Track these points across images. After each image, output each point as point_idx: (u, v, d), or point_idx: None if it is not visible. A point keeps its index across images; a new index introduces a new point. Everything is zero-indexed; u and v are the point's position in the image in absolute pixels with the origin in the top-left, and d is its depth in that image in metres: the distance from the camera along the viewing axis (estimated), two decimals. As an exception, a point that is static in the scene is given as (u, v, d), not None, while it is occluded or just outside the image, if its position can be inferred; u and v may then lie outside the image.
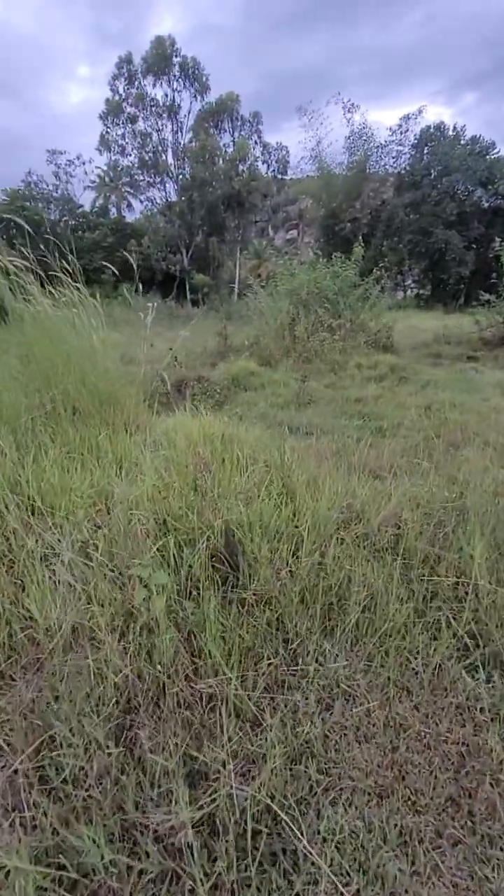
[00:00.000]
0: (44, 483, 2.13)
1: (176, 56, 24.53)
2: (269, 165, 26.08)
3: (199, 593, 1.55)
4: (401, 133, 23.81)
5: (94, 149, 25.39)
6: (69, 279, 4.06)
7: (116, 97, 24.20)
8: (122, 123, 24.20)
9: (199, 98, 25.50)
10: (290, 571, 1.72)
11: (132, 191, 27.48)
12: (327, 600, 1.69)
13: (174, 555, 1.68)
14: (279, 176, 27.14)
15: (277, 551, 1.80)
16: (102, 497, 2.25)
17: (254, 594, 1.64)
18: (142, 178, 25.67)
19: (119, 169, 27.18)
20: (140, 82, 24.62)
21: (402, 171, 24.61)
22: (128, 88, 24.38)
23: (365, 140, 23.58)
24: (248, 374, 7.21)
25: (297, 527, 2.01)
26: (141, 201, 27.09)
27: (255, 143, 26.16)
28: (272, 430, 4.43)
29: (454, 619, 1.64)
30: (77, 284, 4.11)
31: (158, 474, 2.28)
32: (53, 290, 4.05)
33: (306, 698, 1.36)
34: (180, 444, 2.64)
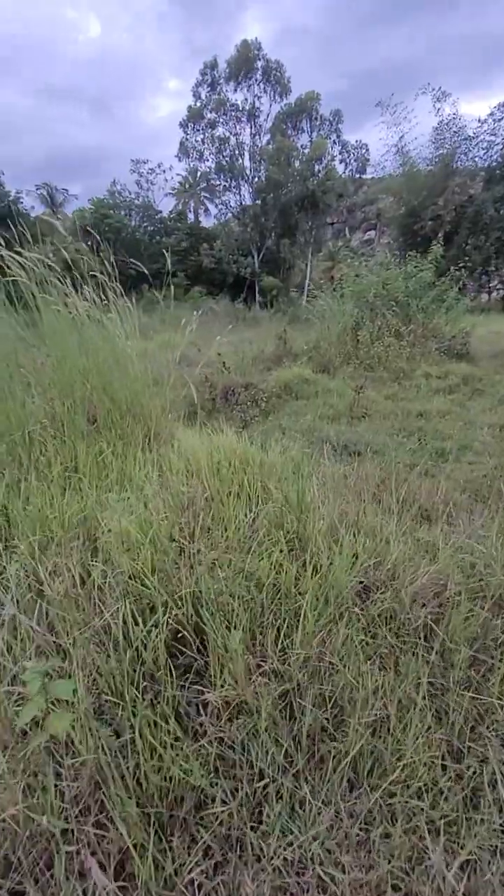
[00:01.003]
0: (12, 510, 1.86)
1: (259, 60, 24.54)
2: (346, 165, 25.28)
3: (138, 695, 1.17)
4: (493, 122, 21.93)
5: (174, 156, 26.08)
6: (111, 281, 3.90)
7: (198, 103, 24.68)
8: (202, 129, 24.64)
9: (279, 100, 25.33)
10: (274, 671, 1.28)
11: (209, 195, 27.92)
12: (321, 715, 1.23)
13: (123, 631, 1.31)
14: (357, 175, 26.20)
15: (261, 636, 1.37)
16: (87, 528, 1.96)
17: (221, 698, 1.22)
18: (218, 182, 25.97)
19: (198, 175, 27.74)
20: (222, 88, 24.91)
21: (494, 164, 22.66)
22: (210, 94, 24.77)
23: (454, 132, 22.03)
24: (302, 381, 6.75)
25: (299, 594, 1.56)
26: (216, 206, 27.46)
27: (334, 142, 25.45)
28: (314, 448, 3.96)
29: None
30: (113, 285, 3.93)
31: (148, 509, 1.94)
32: (96, 295, 3.89)
33: (257, 888, 0.92)
34: (181, 471, 2.28)
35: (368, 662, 1.34)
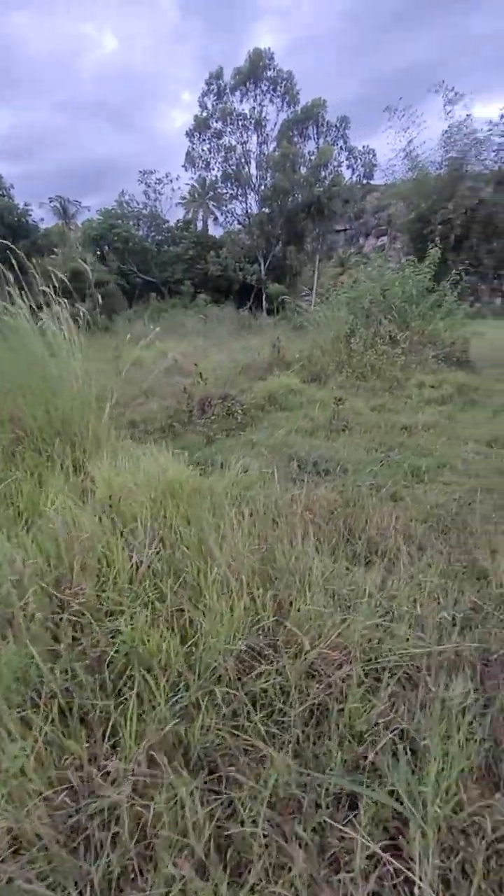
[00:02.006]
0: None
1: (269, 70, 24.55)
2: (353, 170, 25.02)
3: None
4: (504, 124, 21.45)
5: (181, 165, 26.20)
6: (52, 294, 3.69)
7: (205, 113, 24.79)
8: (208, 139, 24.71)
9: (287, 108, 25.30)
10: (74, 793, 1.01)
11: (216, 204, 28.00)
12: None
13: None
14: (364, 181, 25.93)
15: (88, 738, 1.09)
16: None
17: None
18: (225, 191, 25.99)
19: (206, 184, 27.85)
20: (228, 97, 24.98)
21: (505, 166, 22.14)
22: (216, 104, 24.86)
23: (465, 134, 21.62)
24: (288, 391, 6.48)
25: (163, 669, 1.29)
26: (222, 214, 27.49)
27: (341, 148, 25.26)
28: (279, 466, 3.68)
29: None
30: (59, 299, 3.73)
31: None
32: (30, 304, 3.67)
33: None
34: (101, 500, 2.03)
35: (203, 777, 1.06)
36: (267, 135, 25.34)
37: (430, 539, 2.41)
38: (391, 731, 1.15)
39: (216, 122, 24.57)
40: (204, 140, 24.80)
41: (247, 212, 25.60)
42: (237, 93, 24.65)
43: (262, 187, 25.06)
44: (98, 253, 24.97)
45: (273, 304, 23.37)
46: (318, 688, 1.30)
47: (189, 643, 1.35)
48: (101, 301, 21.30)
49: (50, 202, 32.90)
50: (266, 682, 1.29)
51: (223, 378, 7.69)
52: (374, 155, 24.37)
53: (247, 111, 24.83)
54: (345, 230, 39.29)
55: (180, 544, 1.77)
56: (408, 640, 1.45)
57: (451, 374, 7.12)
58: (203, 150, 25.08)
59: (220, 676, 1.28)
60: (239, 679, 1.30)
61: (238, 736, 1.15)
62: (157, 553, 1.74)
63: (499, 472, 3.79)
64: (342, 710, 1.23)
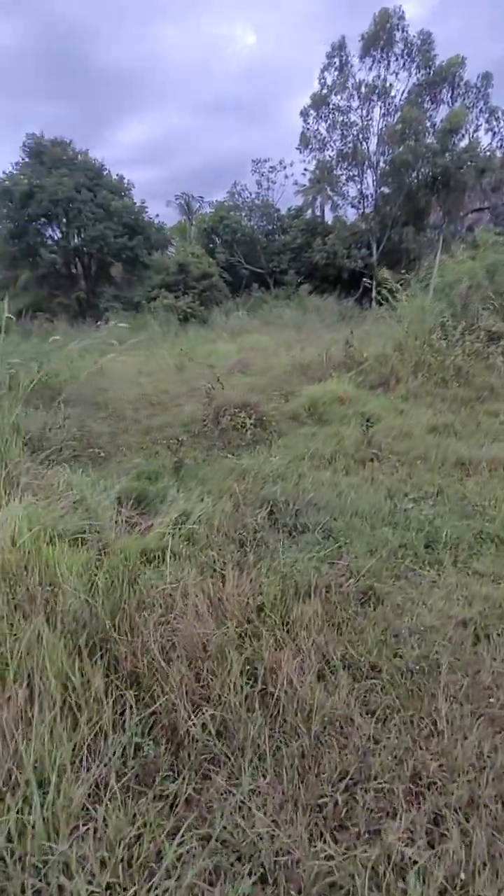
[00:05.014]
0: None
1: (399, 31, 22.14)
2: (494, 134, 21.37)
3: None
4: None
5: (294, 148, 25.05)
6: None
7: (324, 90, 23.27)
8: (325, 116, 23.17)
9: (417, 72, 22.60)
10: None
11: (331, 187, 26.42)
12: None
13: None
14: (509, 145, 22.06)
15: None
16: None
17: None
18: (340, 172, 24.25)
19: (326, 167, 26.36)
20: (351, 69, 23.11)
21: None
22: (337, 78, 23.18)
23: None
24: (334, 399, 5.30)
25: None
26: (337, 196, 25.76)
27: (480, 111, 21.74)
28: (240, 516, 2.73)
29: None
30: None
31: None
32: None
33: None
34: None
35: None
36: (391, 104, 22.98)
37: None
38: None
39: (335, 96, 22.93)
40: (320, 118, 23.35)
41: (361, 192, 23.62)
42: (363, 62, 22.65)
43: (382, 164, 22.84)
44: (210, 245, 25.28)
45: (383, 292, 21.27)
46: None
47: None
48: (202, 293, 21.55)
49: (176, 200, 34.41)
50: None
51: (270, 380, 6.75)
52: (523, 114, 20.57)
53: (371, 80, 22.73)
54: (485, 209, 34.50)
55: None
56: None
57: None
58: (320, 130, 23.66)
59: None
60: None
61: None
62: None
63: None
64: None
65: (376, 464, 3.62)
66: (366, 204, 23.51)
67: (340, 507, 2.91)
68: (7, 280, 23.65)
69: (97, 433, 5.20)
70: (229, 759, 1.25)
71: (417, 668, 1.50)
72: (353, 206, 24.29)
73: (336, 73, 23.65)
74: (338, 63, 23.76)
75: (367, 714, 1.39)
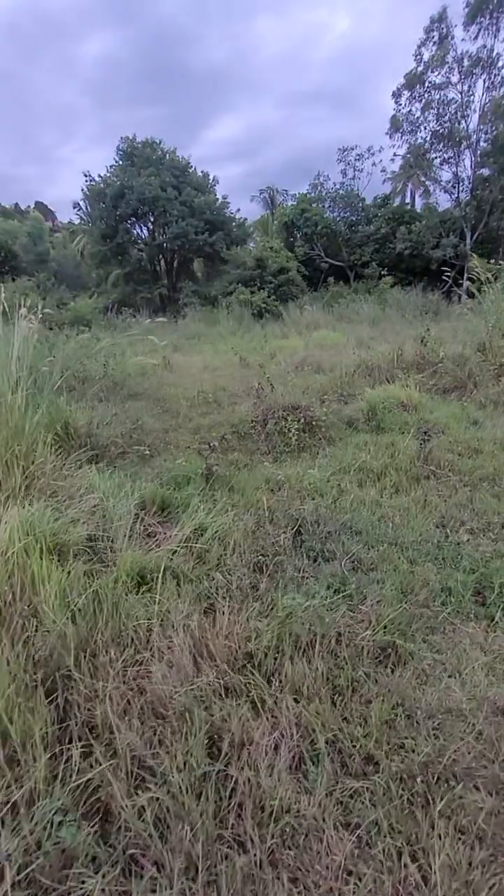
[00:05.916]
0: None
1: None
2: None
3: None
4: None
5: (385, 133, 23.72)
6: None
7: (420, 68, 21.69)
8: (419, 97, 21.60)
9: (533, 35, 20.27)
10: None
11: (424, 171, 24.70)
12: None
13: None
14: None
15: None
16: None
17: None
18: (433, 155, 22.53)
19: (419, 150, 24.73)
20: (453, 41, 21.30)
21: None
22: (435, 52, 21.49)
23: None
24: (396, 404, 4.80)
25: None
26: (430, 182, 24.01)
27: None
28: (256, 536, 2.50)
29: None
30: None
31: None
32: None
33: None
34: None
35: None
36: (497, 76, 20.90)
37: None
38: None
39: (431, 73, 21.30)
40: (414, 99, 21.83)
41: (456, 175, 21.77)
42: (467, 31, 20.77)
43: (483, 143, 20.88)
44: (290, 239, 24.87)
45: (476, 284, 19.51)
46: None
47: None
48: (279, 288, 21.22)
49: (260, 194, 34.37)
50: None
51: (332, 380, 6.34)
52: None
53: (475, 50, 20.80)
54: None
55: None
56: None
57: None
58: (413, 111, 22.14)
59: None
60: None
61: None
62: None
63: None
64: None
65: (433, 482, 3.15)
66: (461, 188, 21.66)
67: (379, 533, 2.54)
68: (99, 278, 25.21)
69: (149, 430, 5.17)
70: (159, 861, 1.02)
71: (422, 776, 1.15)
72: (445, 192, 22.53)
73: (434, 48, 21.97)
74: (436, 37, 22.06)
75: (344, 827, 1.08)
